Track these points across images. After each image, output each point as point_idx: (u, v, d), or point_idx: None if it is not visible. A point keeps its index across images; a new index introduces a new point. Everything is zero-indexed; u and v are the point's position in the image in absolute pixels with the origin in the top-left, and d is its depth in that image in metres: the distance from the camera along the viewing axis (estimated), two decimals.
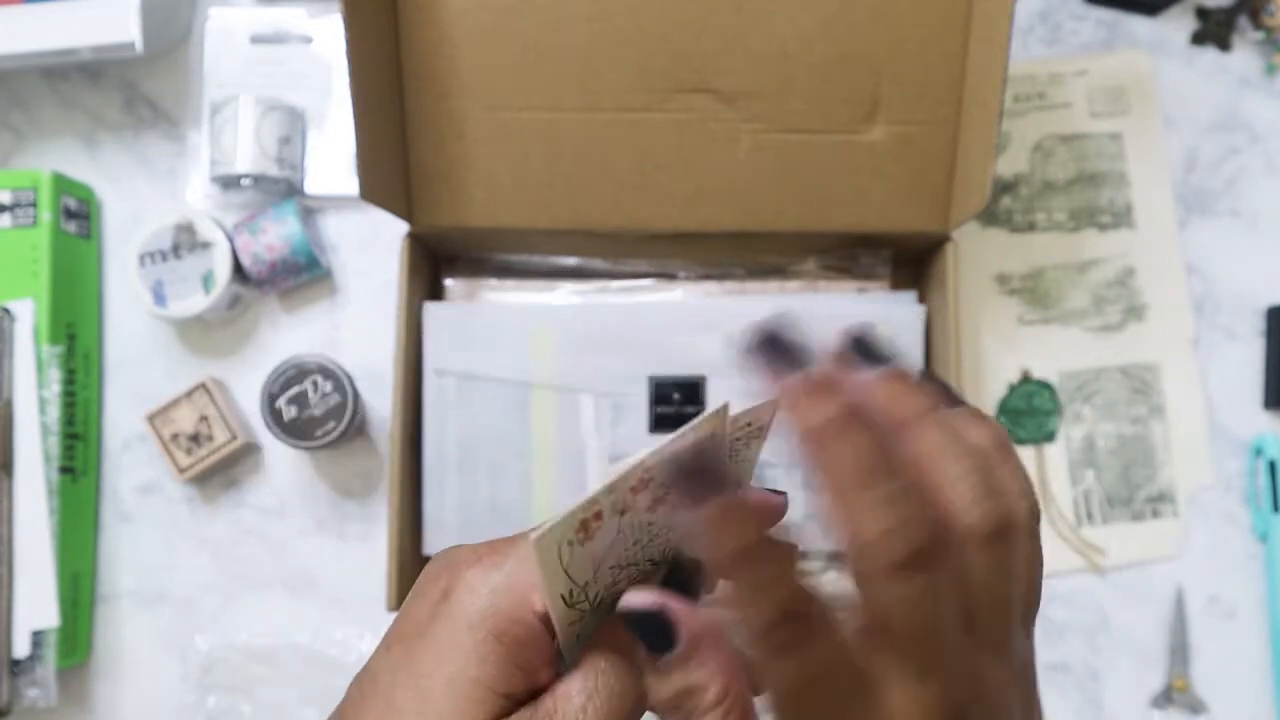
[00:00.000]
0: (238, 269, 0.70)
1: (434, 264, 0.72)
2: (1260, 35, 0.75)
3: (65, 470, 0.69)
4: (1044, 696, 0.77)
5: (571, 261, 0.72)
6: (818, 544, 0.69)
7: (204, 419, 0.70)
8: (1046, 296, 0.74)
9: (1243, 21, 0.75)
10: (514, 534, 0.33)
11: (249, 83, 0.74)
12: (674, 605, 0.31)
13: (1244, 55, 0.75)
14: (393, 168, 0.64)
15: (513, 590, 0.31)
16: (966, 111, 0.64)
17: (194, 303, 0.69)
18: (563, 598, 0.30)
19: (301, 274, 0.72)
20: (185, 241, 0.69)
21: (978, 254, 0.74)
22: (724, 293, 0.71)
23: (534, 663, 0.31)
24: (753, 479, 0.43)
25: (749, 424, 0.37)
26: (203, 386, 0.70)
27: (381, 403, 0.73)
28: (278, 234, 0.70)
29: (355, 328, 0.74)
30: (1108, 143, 0.75)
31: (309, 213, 0.74)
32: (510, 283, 0.71)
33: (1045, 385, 0.73)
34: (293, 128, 0.72)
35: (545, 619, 0.31)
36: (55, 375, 0.68)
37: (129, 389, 0.74)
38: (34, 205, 0.69)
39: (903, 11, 0.63)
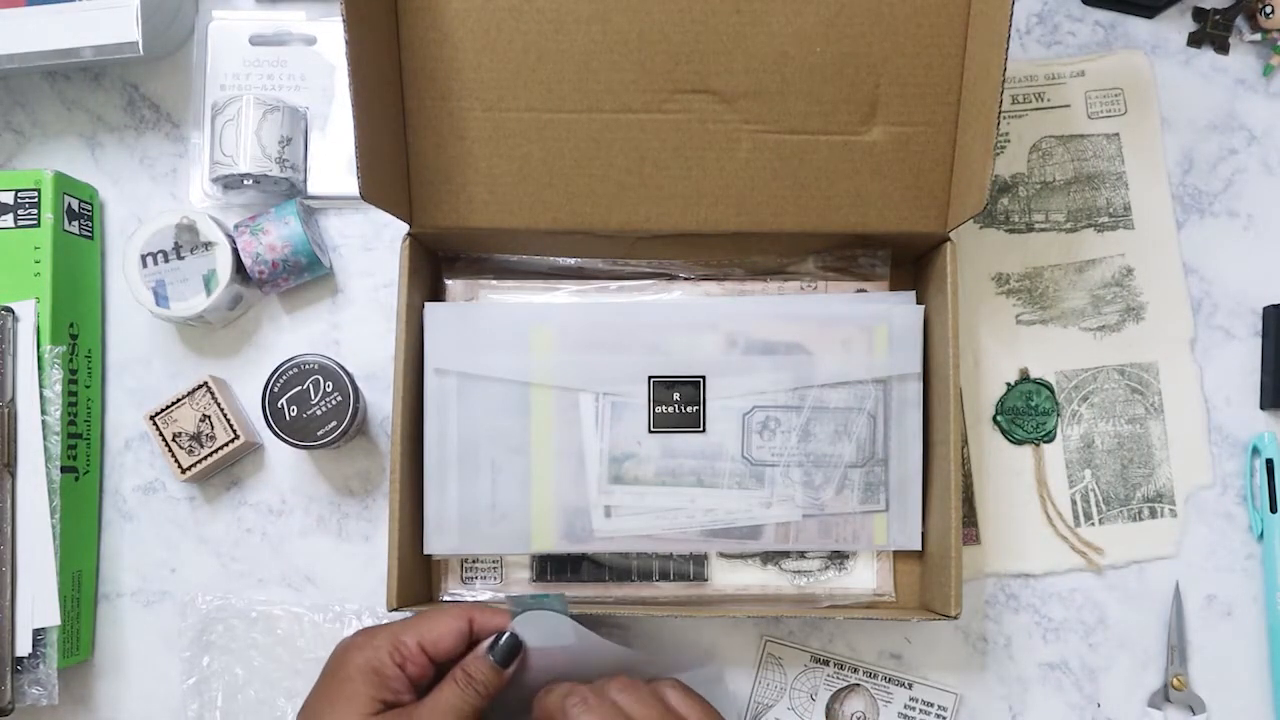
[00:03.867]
0: (239, 269, 0.71)
1: (434, 264, 0.72)
2: (1257, 37, 0.75)
3: (67, 469, 0.69)
4: (1042, 696, 0.78)
5: (571, 262, 0.72)
6: (816, 544, 0.69)
7: (205, 418, 0.70)
8: (1045, 296, 0.74)
9: (1240, 23, 0.76)
10: (387, 621, 0.60)
11: (250, 83, 0.74)
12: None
13: (1241, 56, 0.76)
14: (393, 168, 0.64)
15: (382, 649, 0.56)
16: (965, 112, 0.64)
17: (195, 303, 0.69)
18: None
19: (303, 274, 0.72)
20: (187, 242, 0.70)
21: (976, 254, 0.74)
22: (724, 293, 0.71)
23: (399, 689, 0.56)
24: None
25: None
26: (204, 386, 0.70)
27: (382, 402, 0.73)
28: (279, 234, 0.70)
29: (356, 328, 0.74)
30: (1105, 143, 0.75)
31: (310, 213, 0.74)
32: (510, 283, 0.71)
33: (1043, 385, 0.74)
34: (294, 128, 0.72)
35: (404, 665, 0.56)
36: (57, 375, 0.68)
37: (130, 388, 0.74)
38: (36, 205, 0.69)
39: (902, 13, 0.63)
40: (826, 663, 0.72)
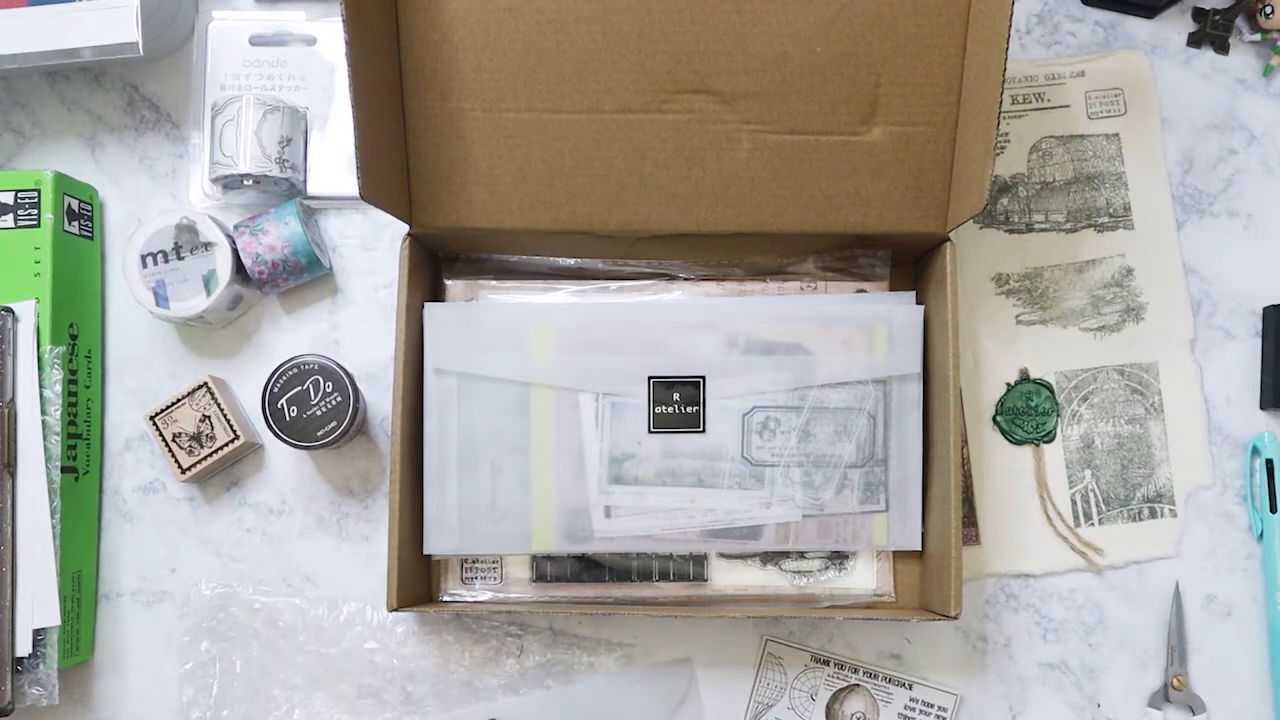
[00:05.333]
0: (239, 269, 0.71)
1: (434, 264, 0.72)
2: (1257, 37, 0.75)
3: (67, 470, 0.69)
4: (1042, 695, 0.78)
5: (571, 262, 0.72)
6: (816, 544, 0.69)
7: (205, 419, 0.70)
8: (1044, 297, 0.74)
9: (1240, 23, 0.76)
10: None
11: (250, 84, 0.74)
12: None
13: (1241, 57, 0.76)
14: (393, 168, 0.64)
15: None
16: (965, 112, 0.64)
17: (195, 303, 0.69)
18: None
19: (302, 274, 0.72)
20: (187, 242, 0.70)
21: (976, 254, 0.74)
22: (724, 293, 0.71)
23: None
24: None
25: None
26: (204, 386, 0.70)
27: (382, 402, 0.73)
28: (279, 234, 0.70)
29: (356, 328, 0.74)
30: (1105, 144, 0.75)
31: (310, 213, 0.74)
32: (510, 283, 0.71)
33: (1043, 385, 0.74)
34: (294, 129, 0.72)
35: None
36: (57, 375, 0.68)
37: (131, 388, 0.74)
38: (36, 206, 0.69)
39: (902, 13, 0.63)
40: (827, 663, 0.72)
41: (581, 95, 0.65)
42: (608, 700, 0.71)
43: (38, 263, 0.69)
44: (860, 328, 0.68)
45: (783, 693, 0.72)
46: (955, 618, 0.63)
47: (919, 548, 0.69)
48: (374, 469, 0.73)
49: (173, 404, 0.70)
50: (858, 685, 0.72)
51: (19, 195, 0.69)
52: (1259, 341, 0.74)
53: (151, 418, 0.70)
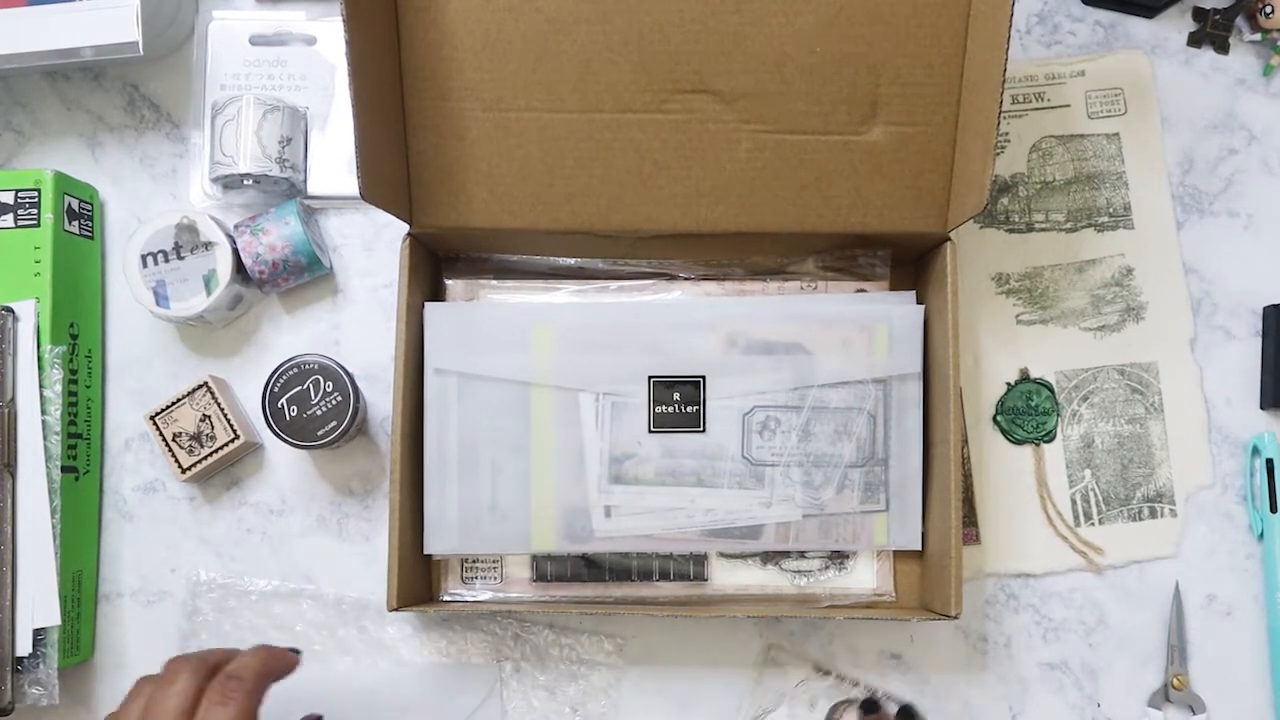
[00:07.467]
0: (239, 269, 0.71)
1: (434, 264, 0.72)
2: (1257, 37, 0.75)
3: (67, 469, 0.69)
4: (1042, 695, 0.77)
5: (571, 262, 0.72)
6: (816, 544, 0.69)
7: (205, 418, 0.70)
8: (1045, 296, 0.74)
9: (1240, 23, 0.76)
10: None
11: (250, 83, 0.74)
12: None
13: (1241, 56, 0.76)
14: (393, 168, 0.64)
15: None
16: (965, 112, 0.64)
17: (195, 303, 0.69)
18: None
19: (303, 274, 0.72)
20: (187, 242, 0.70)
21: (976, 254, 0.74)
22: (724, 293, 0.71)
23: None
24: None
25: None
26: (205, 386, 0.70)
27: (382, 402, 0.73)
28: (279, 234, 0.70)
29: (356, 328, 0.74)
30: (1106, 143, 0.75)
31: (310, 213, 0.74)
32: (510, 283, 0.71)
33: (1043, 385, 0.74)
34: (294, 128, 0.72)
35: None
36: (57, 375, 0.68)
37: (131, 388, 0.74)
38: (36, 205, 0.69)
39: (901, 13, 0.63)
40: (829, 674, 0.72)
41: (581, 95, 0.65)
42: (413, 691, 0.71)
43: (38, 262, 0.69)
44: (860, 327, 0.68)
45: (781, 699, 0.72)
46: (955, 617, 0.63)
47: (919, 547, 0.69)
48: (374, 469, 0.73)
49: (173, 404, 0.70)
50: (858, 699, 0.72)
51: (19, 195, 0.69)
52: (1259, 341, 0.74)
53: (151, 417, 0.70)
